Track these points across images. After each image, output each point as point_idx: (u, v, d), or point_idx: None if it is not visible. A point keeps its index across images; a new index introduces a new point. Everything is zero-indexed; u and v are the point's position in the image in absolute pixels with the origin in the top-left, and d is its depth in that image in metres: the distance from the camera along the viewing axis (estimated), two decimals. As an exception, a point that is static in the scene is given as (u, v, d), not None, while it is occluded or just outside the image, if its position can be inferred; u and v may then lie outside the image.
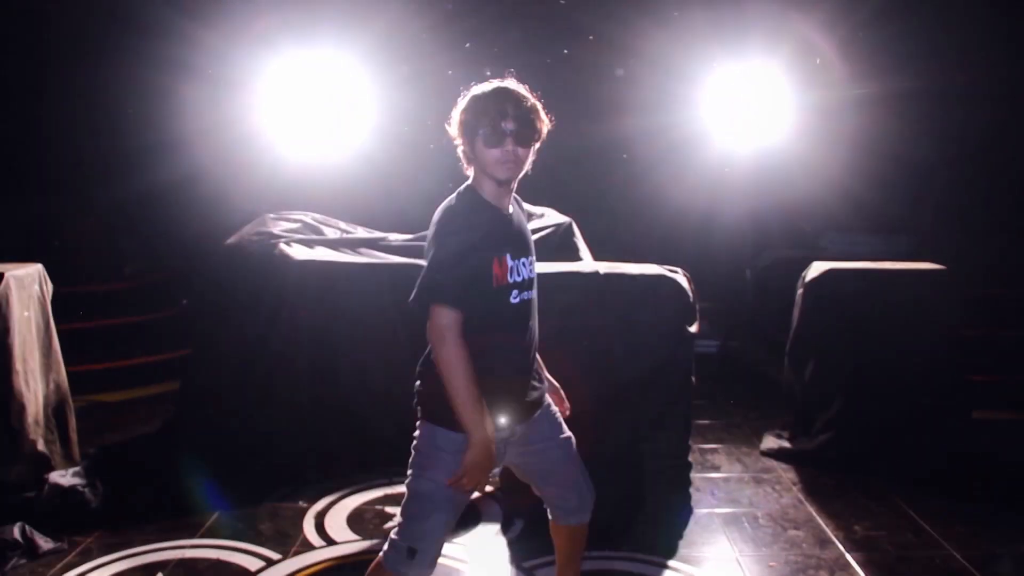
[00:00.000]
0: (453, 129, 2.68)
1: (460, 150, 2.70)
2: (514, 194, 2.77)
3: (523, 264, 2.70)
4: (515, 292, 2.66)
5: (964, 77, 7.53)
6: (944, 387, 5.22)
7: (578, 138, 7.25)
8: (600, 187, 8.30)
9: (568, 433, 2.97)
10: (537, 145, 2.67)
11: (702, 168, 8.17)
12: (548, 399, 2.95)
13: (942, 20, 7.36)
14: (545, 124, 2.66)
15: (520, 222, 2.80)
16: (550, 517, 3.06)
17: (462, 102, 2.67)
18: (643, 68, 8.21)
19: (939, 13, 7.39)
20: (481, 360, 2.57)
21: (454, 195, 2.67)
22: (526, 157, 2.63)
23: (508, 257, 2.63)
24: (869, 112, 7.72)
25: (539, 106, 2.66)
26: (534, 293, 2.77)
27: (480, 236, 2.58)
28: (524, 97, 2.63)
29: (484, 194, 2.65)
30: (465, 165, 2.72)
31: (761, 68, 7.94)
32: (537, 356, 2.88)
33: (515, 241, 2.71)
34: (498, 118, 2.57)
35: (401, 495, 2.74)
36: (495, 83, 2.68)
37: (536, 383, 2.82)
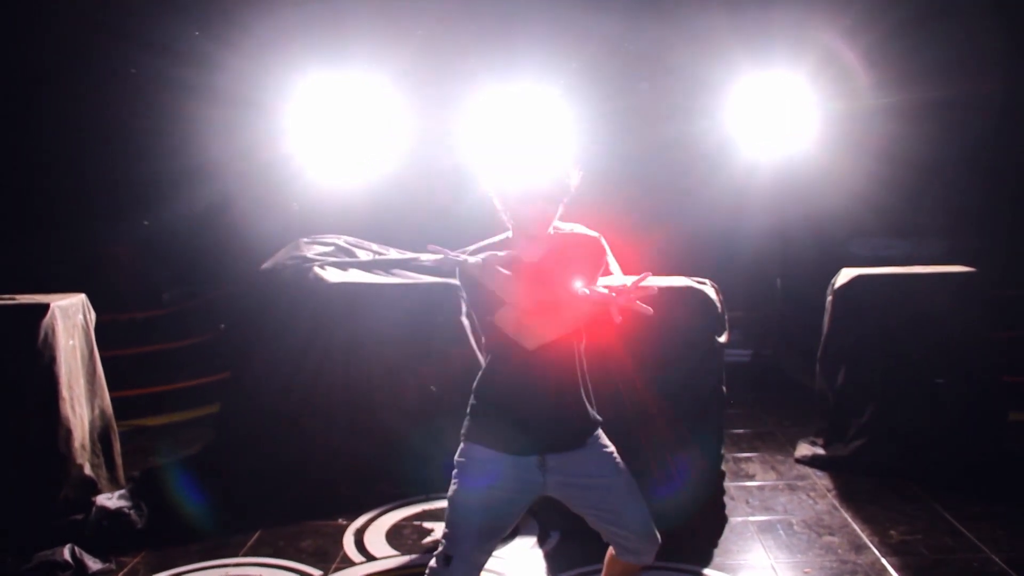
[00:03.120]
0: (487, 184, 2.80)
1: (496, 200, 2.80)
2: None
3: None
4: None
5: (987, 86, 7.49)
6: (978, 390, 5.20)
7: (604, 151, 7.29)
8: (626, 198, 8.32)
9: (620, 477, 2.84)
10: (567, 200, 2.77)
11: (728, 177, 8.17)
12: (604, 442, 2.89)
13: (966, 29, 7.33)
14: (573, 181, 2.75)
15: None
16: (610, 547, 2.96)
17: (496, 160, 2.79)
18: (667, 78, 8.24)
19: (963, 22, 7.35)
20: (495, 389, 2.73)
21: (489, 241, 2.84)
22: (555, 212, 2.75)
23: None
24: (894, 120, 7.69)
25: (569, 165, 2.75)
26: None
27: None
28: (555, 159, 2.74)
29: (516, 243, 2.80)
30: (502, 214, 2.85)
31: (785, 77, 7.96)
32: (583, 394, 2.84)
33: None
34: (531, 181, 2.69)
35: (438, 510, 2.82)
36: (528, 146, 2.82)
37: (569, 419, 2.80)
